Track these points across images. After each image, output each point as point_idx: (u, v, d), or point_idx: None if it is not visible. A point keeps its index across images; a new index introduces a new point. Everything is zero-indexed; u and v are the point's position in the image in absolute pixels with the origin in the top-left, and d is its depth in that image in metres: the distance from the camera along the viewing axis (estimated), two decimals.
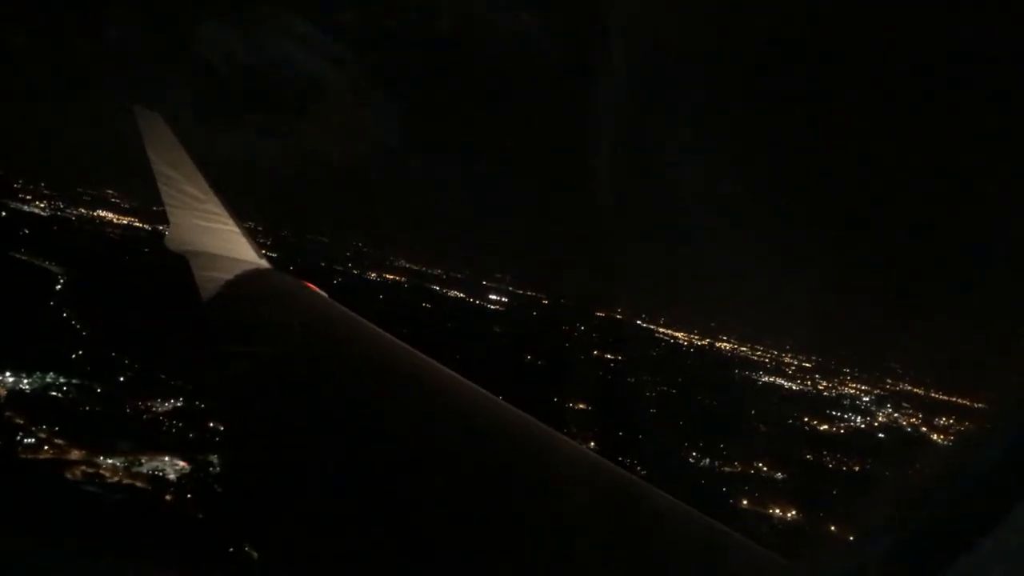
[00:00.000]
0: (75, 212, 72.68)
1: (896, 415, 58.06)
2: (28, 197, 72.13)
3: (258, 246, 7.88)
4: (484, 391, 4.83)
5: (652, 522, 3.55)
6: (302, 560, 3.29)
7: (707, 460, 37.44)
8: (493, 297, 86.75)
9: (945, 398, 67.09)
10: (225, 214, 7.82)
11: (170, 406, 28.23)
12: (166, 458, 24.62)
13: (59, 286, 42.70)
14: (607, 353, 59.45)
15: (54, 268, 45.94)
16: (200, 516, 23.29)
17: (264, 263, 7.74)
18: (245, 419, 5.07)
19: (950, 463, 1.94)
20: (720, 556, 3.33)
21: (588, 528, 3.21)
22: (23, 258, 47.22)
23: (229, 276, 7.22)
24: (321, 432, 4.45)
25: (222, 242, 7.74)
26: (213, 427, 27.15)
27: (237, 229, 7.82)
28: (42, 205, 71.55)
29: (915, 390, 71.35)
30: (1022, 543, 1.54)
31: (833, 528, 30.36)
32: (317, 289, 7.39)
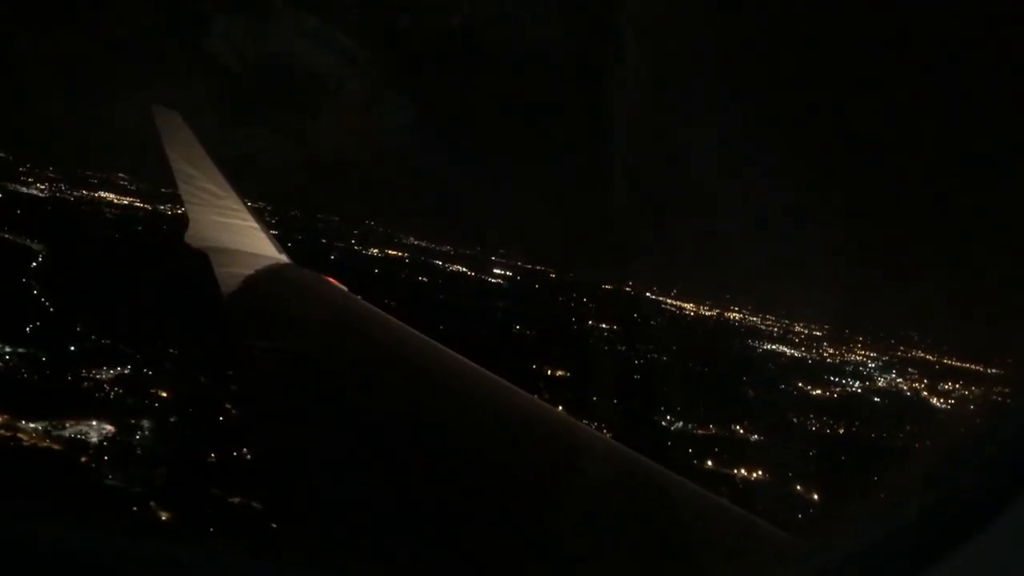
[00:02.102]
0: (76, 193, 73.05)
1: (899, 380, 56.75)
2: (31, 180, 72.68)
3: (278, 242, 7.98)
4: (508, 383, 4.93)
5: (670, 506, 3.60)
6: (326, 551, 3.31)
7: (680, 423, 36.65)
8: (497, 271, 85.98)
9: (958, 364, 65.44)
10: (244, 210, 7.98)
11: (114, 374, 27.96)
12: (93, 422, 24.34)
13: (35, 263, 42.77)
14: (602, 323, 58.85)
15: (35, 246, 46.14)
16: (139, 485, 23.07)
17: (284, 258, 7.83)
18: (269, 413, 5.16)
19: (962, 443, 1.99)
20: (737, 538, 3.37)
21: (609, 513, 3.30)
22: (5, 236, 47.48)
23: (249, 271, 7.30)
24: (343, 425, 4.53)
25: (242, 238, 7.86)
26: (155, 393, 27.08)
27: (257, 225, 7.95)
28: (42, 187, 71.88)
29: (927, 357, 69.63)
30: None
31: (819, 497, 29.76)
32: (337, 283, 7.51)
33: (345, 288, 7.42)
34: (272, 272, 7.48)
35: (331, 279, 7.67)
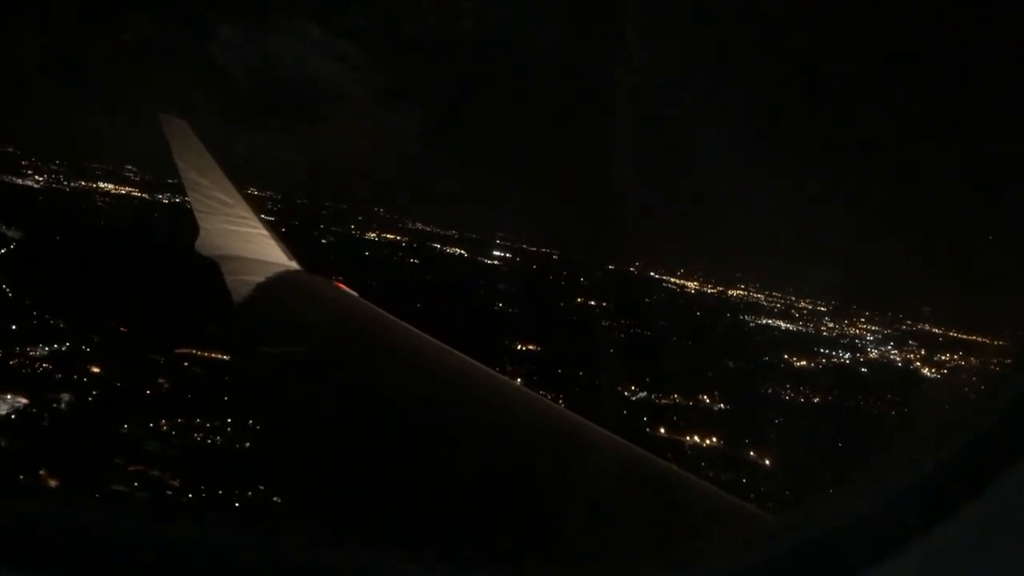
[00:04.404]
0: (74, 184, 73.46)
1: (893, 352, 55.45)
2: (30, 172, 73.25)
3: (288, 248, 7.97)
4: (514, 383, 5.12)
5: (665, 495, 3.69)
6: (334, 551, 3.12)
7: (643, 393, 35.86)
8: (497, 253, 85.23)
9: (963, 337, 63.81)
10: (254, 218, 8.00)
11: (49, 351, 27.83)
12: (8, 396, 24.19)
13: (6, 249, 42.98)
14: (592, 300, 58.17)
15: (12, 233, 46.36)
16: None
17: (294, 264, 7.84)
18: (279, 417, 5.19)
19: (946, 421, 1.95)
20: (721, 519, 3.44)
21: (605, 503, 3.41)
22: None
23: (259, 278, 7.34)
24: (353, 429, 4.57)
25: (252, 245, 7.88)
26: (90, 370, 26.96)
27: (266, 232, 7.96)
28: (40, 178, 72.43)
29: (933, 330, 67.94)
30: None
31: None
32: (347, 288, 7.55)
33: (356, 293, 7.39)
34: (282, 278, 7.51)
35: (341, 284, 7.67)
